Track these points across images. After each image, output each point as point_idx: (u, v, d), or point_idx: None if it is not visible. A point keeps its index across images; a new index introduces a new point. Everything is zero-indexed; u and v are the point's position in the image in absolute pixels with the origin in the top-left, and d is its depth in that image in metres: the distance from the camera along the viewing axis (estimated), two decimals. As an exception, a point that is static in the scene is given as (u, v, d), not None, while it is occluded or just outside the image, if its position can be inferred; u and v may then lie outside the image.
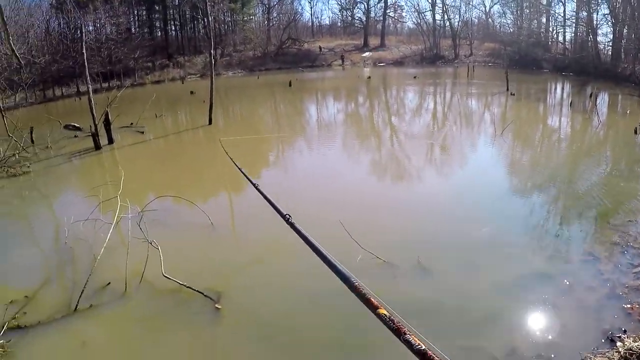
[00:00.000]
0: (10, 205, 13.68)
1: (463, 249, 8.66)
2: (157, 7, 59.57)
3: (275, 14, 70.52)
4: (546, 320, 6.51)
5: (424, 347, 0.86)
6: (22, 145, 18.39)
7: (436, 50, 63.77)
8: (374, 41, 68.42)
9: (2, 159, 16.87)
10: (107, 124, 18.82)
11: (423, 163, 15.70)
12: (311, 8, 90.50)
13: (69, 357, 6.14)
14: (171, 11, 61.73)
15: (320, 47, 64.06)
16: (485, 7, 72.39)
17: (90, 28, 46.18)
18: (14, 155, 17.46)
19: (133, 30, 56.87)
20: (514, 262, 8.16)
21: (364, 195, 12.18)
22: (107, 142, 19.01)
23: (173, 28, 62.86)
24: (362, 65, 59.68)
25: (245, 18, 66.28)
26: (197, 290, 7.33)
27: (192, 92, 36.25)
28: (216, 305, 7.09)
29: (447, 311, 6.77)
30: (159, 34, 61.29)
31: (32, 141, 20.33)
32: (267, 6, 69.24)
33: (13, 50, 17.91)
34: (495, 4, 70.81)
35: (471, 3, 70.46)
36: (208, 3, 26.52)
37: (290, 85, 38.45)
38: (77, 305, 7.13)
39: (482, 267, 8.03)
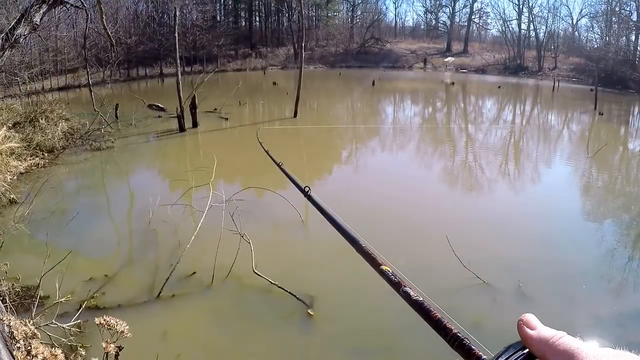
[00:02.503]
0: (93, 177, 13.72)
1: (562, 276, 7.96)
2: (243, -2, 60.17)
3: (359, 12, 70.29)
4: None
5: (421, 299, 1.01)
6: (107, 120, 18.52)
7: (519, 61, 61.90)
8: (456, 46, 67.10)
9: (87, 132, 17.03)
10: (193, 107, 18.70)
11: (514, 180, 14.85)
12: (395, 9, 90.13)
13: (148, 347, 5.66)
14: (257, 2, 62.30)
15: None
16: (572, 19, 69.85)
17: (177, 13, 46.89)
18: (98, 129, 17.67)
19: (218, 18, 57.66)
20: (615, 297, 7.49)
21: (456, 209, 11.46)
22: (191, 125, 18.87)
23: (257, 19, 63.46)
24: (444, 69, 58.56)
25: (330, 14, 66.28)
26: (290, 292, 6.76)
27: (274, 83, 36.29)
28: (309, 311, 6.49)
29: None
30: (244, 23, 62.14)
31: (117, 117, 20.58)
32: (351, 4, 68.93)
33: (105, 29, 17.96)
34: (583, 16, 68.17)
35: (558, 14, 68.12)
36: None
37: (373, 84, 37.96)
38: (160, 292, 6.71)
39: (582, 299, 7.33)
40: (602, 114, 29.09)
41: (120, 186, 13.02)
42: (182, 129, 18.30)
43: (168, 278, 6.86)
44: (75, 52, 36.79)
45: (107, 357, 4.03)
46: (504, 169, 15.94)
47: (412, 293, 1.05)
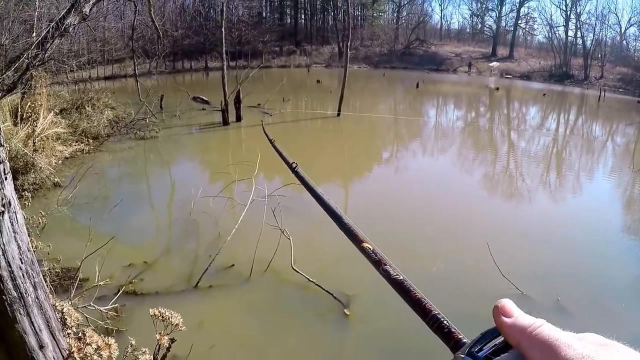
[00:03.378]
0: (136, 166, 13.87)
1: (602, 291, 7.67)
2: (290, -6, 60.47)
3: (405, 13, 69.91)
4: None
5: (401, 277, 0.99)
6: (152, 110, 18.71)
7: (565, 68, 60.76)
8: (502, 51, 66.19)
9: (132, 122, 17.23)
10: (237, 101, 18.76)
11: (555, 191, 14.50)
12: (441, 11, 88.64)
13: (183, 336, 5.59)
14: (303, 0, 62.44)
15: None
16: (620, 27, 68.20)
17: (225, 9, 47.37)
18: (143, 119, 17.86)
19: (264, 14, 58.08)
20: None
21: (494, 216, 11.23)
22: (235, 119, 18.93)
23: (302, 16, 63.66)
24: (488, 74, 57.82)
25: (375, 14, 66.16)
26: (327, 291, 6.65)
27: (318, 81, 36.29)
28: (345, 311, 6.39)
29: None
30: (289, 20, 62.47)
31: (161, 108, 20.83)
32: (397, 4, 68.60)
33: (153, 21, 18.19)
34: (631, 25, 66.54)
35: (606, 22, 66.62)
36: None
37: (417, 86, 37.58)
38: (198, 281, 6.69)
39: (621, 316, 7.00)
40: (649, 128, 28.40)
41: (162, 176, 13.13)
42: (225, 122, 18.37)
43: (207, 269, 6.82)
44: (123, 42, 37.48)
45: (159, 349, 4.02)
46: (545, 178, 15.59)
47: (392, 272, 1.04)
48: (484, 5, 73.44)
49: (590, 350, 0.61)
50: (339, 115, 21.76)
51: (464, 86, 46.09)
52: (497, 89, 43.04)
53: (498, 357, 0.68)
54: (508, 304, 0.72)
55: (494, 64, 61.72)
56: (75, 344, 3.47)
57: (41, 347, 2.97)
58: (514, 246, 9.02)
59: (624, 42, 67.89)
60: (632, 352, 0.62)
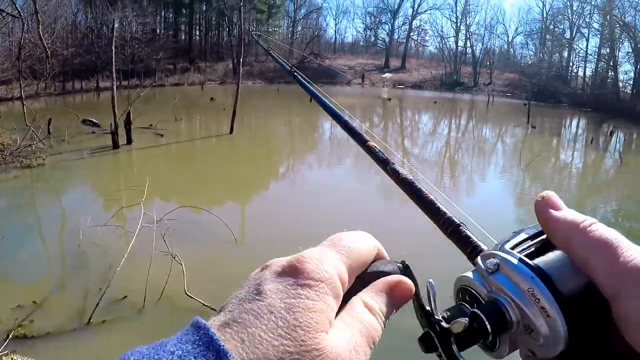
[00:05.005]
0: (22, 197, 13.49)
1: None
2: (184, 11, 59.88)
3: (299, 28, 70.83)
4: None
5: (410, 177, 0.89)
6: (38, 136, 18.21)
7: (456, 77, 63.83)
8: (394, 62, 68.51)
9: (18, 149, 16.73)
10: (127, 123, 18.46)
11: (450, 192, 15.36)
12: (336, 25, 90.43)
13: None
14: (198, 16, 62.10)
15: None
16: (508, 36, 72.39)
17: (117, 25, 46.41)
18: (30, 145, 17.30)
19: (158, 31, 57.18)
20: None
21: (390, 222, 11.66)
22: (125, 142, 18.64)
23: (197, 33, 63.19)
24: (381, 85, 59.53)
25: (270, 29, 66.53)
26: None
27: (212, 99, 36.19)
28: None
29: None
30: (183, 37, 61.66)
31: (49, 133, 20.21)
32: (292, 19, 69.45)
33: (41, 39, 17.80)
34: (518, 34, 71.09)
35: (494, 32, 70.51)
36: (236, 11, 26.36)
37: (310, 100, 37.22)
38: (90, 317, 6.62)
39: None
40: (534, 127, 30.73)
41: (51, 205, 12.80)
42: (116, 145, 18.01)
43: (98, 303, 6.75)
44: (10, 63, 35.90)
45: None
46: (440, 181, 16.47)
47: (400, 170, 0.97)
48: (378, 19, 75.87)
49: None
50: (231, 133, 21.82)
51: (358, 98, 47.38)
52: (389, 99, 44.55)
53: (538, 258, 0.56)
54: (554, 195, 0.62)
55: (387, 75, 63.65)
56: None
57: None
58: (411, 249, 9.26)
59: (512, 50, 72.15)
60: None
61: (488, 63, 67.37)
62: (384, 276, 0.59)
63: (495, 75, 65.13)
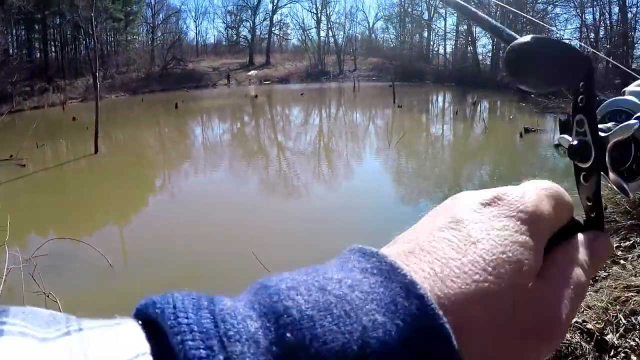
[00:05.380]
0: None
1: None
2: (37, 27, 57.28)
3: (159, 34, 69.76)
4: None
5: None
6: None
7: (321, 67, 65.48)
8: (259, 59, 69.01)
9: None
10: (-16, 158, 17.83)
11: (312, 181, 16.37)
12: (196, 27, 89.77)
13: None
14: (52, 31, 59.57)
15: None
16: (368, 23, 75.16)
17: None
18: None
19: (11, 51, 54.44)
20: None
21: (264, 218, 12.10)
22: (-17, 178, 17.86)
23: (53, 49, 60.67)
24: (248, 83, 60.07)
25: (129, 38, 65.05)
26: None
27: (74, 118, 35.22)
28: None
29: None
30: (38, 55, 58.89)
31: None
32: (151, 25, 68.31)
33: None
34: (378, 19, 73.96)
35: (355, 19, 72.97)
36: (92, 22, 25.83)
37: (176, 107, 37.78)
38: None
39: None
40: (400, 107, 32.50)
41: None
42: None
43: None
44: None
45: None
46: (318, 171, 17.29)
47: None
48: (238, 17, 76.08)
49: None
50: (96, 152, 21.47)
51: (226, 98, 47.84)
52: (256, 96, 45.16)
53: None
54: None
55: (252, 72, 64.21)
56: None
57: None
58: (295, 242, 9.94)
59: (373, 35, 74.90)
60: None
61: (351, 50, 69.67)
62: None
63: (359, 61, 67.49)
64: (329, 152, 21.52)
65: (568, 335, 5.45)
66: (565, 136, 0.58)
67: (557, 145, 0.58)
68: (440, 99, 44.36)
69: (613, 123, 0.57)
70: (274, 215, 12.67)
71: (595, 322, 5.68)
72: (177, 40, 68.43)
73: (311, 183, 15.96)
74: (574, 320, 5.91)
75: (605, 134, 0.52)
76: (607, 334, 4.94)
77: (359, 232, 10.31)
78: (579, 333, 5.57)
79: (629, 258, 7.49)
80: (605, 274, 7.33)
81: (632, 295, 5.67)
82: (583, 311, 6.09)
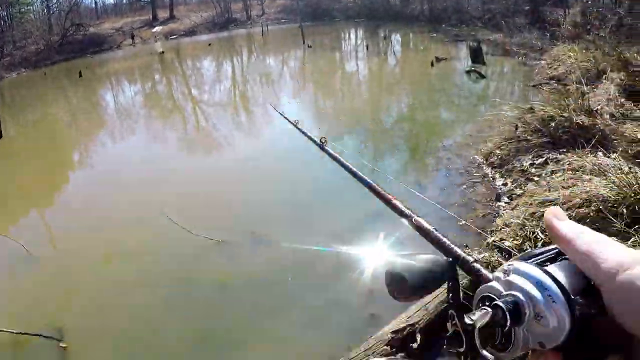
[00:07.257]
0: None
1: (296, 209, 8.80)
2: None
3: (55, 1, 66.82)
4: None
5: (432, 228, 1.10)
6: None
7: (228, 15, 64.41)
8: (163, 14, 67.42)
9: None
10: None
11: (232, 131, 16.50)
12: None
13: None
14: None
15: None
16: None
17: None
18: None
19: None
20: (346, 210, 8.29)
21: (182, 176, 11.81)
22: None
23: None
24: (154, 40, 58.73)
25: (23, 9, 62.08)
26: (34, 334, 6.07)
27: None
28: (60, 344, 6.00)
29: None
30: None
31: None
32: (43, -8, 65.25)
33: None
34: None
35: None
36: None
37: (80, 76, 35.87)
38: None
39: (316, 221, 8.27)
40: (310, 46, 32.73)
41: None
42: None
43: None
44: None
45: None
46: (237, 120, 17.69)
47: (423, 223, 1.08)
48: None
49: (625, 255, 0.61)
50: (0, 137, 19.66)
51: (132, 59, 46.56)
52: (163, 52, 44.16)
53: (548, 266, 0.68)
54: (559, 210, 0.73)
55: (157, 28, 62.81)
56: None
57: None
58: (198, 201, 9.78)
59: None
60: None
61: (257, -5, 68.82)
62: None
63: (267, 4, 66.68)
64: (245, 100, 21.73)
65: (486, 254, 6.08)
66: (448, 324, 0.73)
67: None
68: (353, 36, 44.42)
69: (480, 309, 0.67)
70: (198, 169, 12.58)
71: (512, 239, 6.37)
72: (74, 5, 65.75)
73: (231, 134, 16.15)
74: (492, 239, 6.52)
75: (472, 321, 0.64)
76: (526, 250, 5.49)
77: (287, 176, 10.71)
78: (497, 251, 6.28)
79: (542, 174, 8.30)
80: (520, 191, 8.10)
81: (547, 210, 6.29)
82: (500, 229, 6.80)
